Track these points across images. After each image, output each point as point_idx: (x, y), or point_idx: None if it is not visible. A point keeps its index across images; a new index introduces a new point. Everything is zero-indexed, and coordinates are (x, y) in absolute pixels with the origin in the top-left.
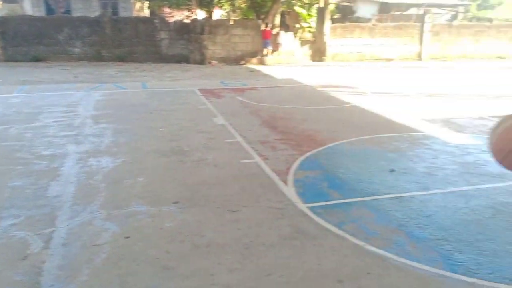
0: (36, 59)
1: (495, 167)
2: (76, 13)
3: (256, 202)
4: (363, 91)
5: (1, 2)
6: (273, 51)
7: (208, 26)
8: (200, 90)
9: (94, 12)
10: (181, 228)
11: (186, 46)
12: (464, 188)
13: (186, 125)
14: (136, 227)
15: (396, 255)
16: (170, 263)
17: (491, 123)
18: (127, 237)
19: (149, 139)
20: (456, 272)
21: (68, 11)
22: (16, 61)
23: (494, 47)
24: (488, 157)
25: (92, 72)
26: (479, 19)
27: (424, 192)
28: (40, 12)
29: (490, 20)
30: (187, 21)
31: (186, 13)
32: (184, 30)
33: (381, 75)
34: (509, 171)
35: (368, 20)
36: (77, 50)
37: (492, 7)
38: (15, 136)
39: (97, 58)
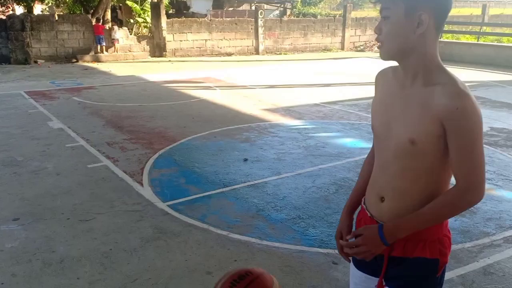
0: None
1: (333, 148)
2: None
3: (110, 207)
4: (209, 85)
5: None
6: (108, 47)
7: (29, 22)
8: (28, 92)
9: None
10: (26, 247)
11: (5, 45)
12: (310, 169)
13: (16, 133)
14: None
15: (259, 238)
16: None
17: (325, 109)
18: None
19: None
20: (313, 246)
21: None
22: None
23: (319, 40)
24: (327, 139)
25: None
26: (304, 15)
27: (277, 177)
28: None
29: (314, 15)
30: (2, 17)
31: (4, 8)
32: (1, 26)
33: (224, 70)
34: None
35: (204, 15)
36: None
37: (315, 3)
38: None
39: None
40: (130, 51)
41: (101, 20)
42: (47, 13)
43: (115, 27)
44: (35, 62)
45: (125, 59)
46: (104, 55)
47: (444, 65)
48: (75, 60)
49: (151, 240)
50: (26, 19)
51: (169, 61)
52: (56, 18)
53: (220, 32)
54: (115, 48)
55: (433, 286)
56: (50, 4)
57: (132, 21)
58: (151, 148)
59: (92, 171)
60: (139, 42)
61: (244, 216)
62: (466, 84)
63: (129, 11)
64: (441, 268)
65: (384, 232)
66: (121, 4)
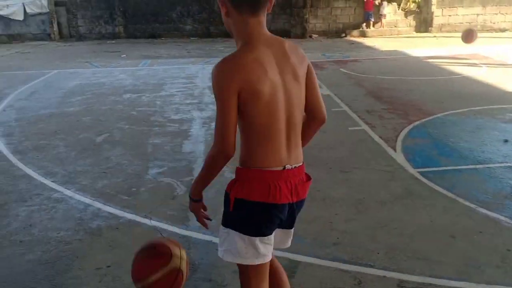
0: (153, 36)
1: None
2: None
3: (366, 165)
4: (474, 62)
5: None
6: (375, 23)
7: (310, 0)
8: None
9: None
10: None
11: (288, 21)
12: None
13: None
14: None
15: (510, 218)
16: None
17: None
18: None
19: None
20: None
21: None
22: (136, 37)
23: None
24: None
25: (203, 48)
26: None
27: None
28: None
29: None
30: None
31: None
32: (286, 4)
33: (494, 47)
34: None
35: None
36: (188, 27)
37: None
38: (147, 103)
39: (206, 34)
40: (395, 26)
41: None
42: None
43: (384, 3)
44: (310, 36)
45: (390, 34)
46: (370, 30)
47: None
48: (343, 35)
49: (399, 198)
50: None
51: (434, 36)
52: None
53: (496, 5)
54: (381, 23)
55: (226, 216)
56: None
57: None
58: (407, 119)
59: (352, 133)
60: (406, 17)
61: (496, 194)
62: None
63: None
64: (232, 202)
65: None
66: None
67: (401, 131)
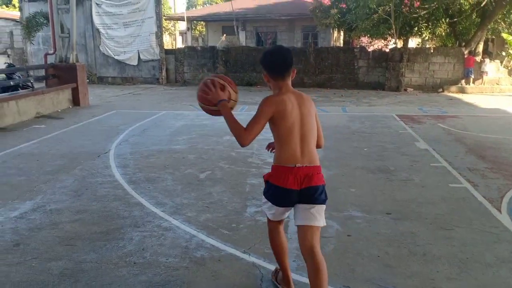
0: (249, 84)
1: None
2: (281, 44)
3: (468, 224)
4: None
5: (225, 35)
6: (475, 79)
7: (407, 54)
8: (399, 115)
9: (297, 42)
10: (396, 235)
11: (383, 74)
12: None
13: (389, 147)
14: (356, 229)
15: None
16: (391, 262)
17: None
18: (349, 235)
19: (355, 157)
20: None
21: (274, 42)
22: None
23: None
24: None
25: None
26: None
27: None
28: (252, 43)
29: None
30: (385, 49)
31: (384, 42)
32: (382, 58)
33: None
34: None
35: None
36: None
37: None
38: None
39: (300, 84)
40: (497, 84)
41: (472, 53)
42: (421, 45)
43: (486, 60)
44: (405, 90)
45: (491, 92)
46: (469, 87)
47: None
48: (440, 90)
49: (506, 261)
50: (405, 52)
51: None
52: (431, 51)
53: None
54: (482, 80)
55: (264, 191)
56: (426, 38)
57: (504, 53)
58: None
59: (453, 190)
60: (509, 75)
61: None
62: None
63: (502, 43)
64: (264, 182)
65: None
66: (493, 37)
67: (506, 192)
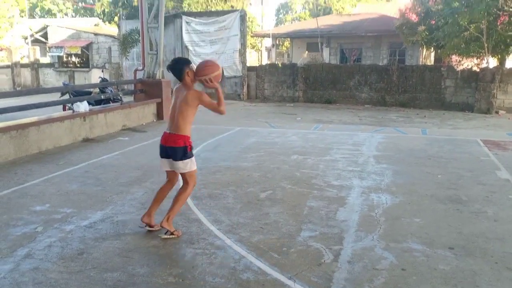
0: (328, 101)
1: None
2: (366, 61)
3: None
4: None
5: (307, 52)
6: None
7: (500, 75)
8: (483, 140)
9: (383, 59)
10: (455, 273)
11: (472, 95)
12: None
13: (466, 175)
14: (412, 262)
15: None
16: None
17: None
18: (403, 269)
19: (426, 184)
20: None
21: (359, 59)
22: (312, 102)
23: None
24: None
25: (375, 115)
26: None
27: None
28: (336, 60)
29: None
30: (476, 69)
31: (475, 61)
32: (472, 78)
33: None
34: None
35: None
36: (363, 95)
37: None
38: (311, 165)
39: (381, 103)
40: None
41: None
42: None
43: None
44: (496, 112)
45: None
46: None
47: None
48: None
49: None
50: (498, 72)
51: None
52: None
53: None
54: None
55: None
56: None
57: None
58: None
59: None
60: None
61: None
62: None
63: None
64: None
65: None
66: None
67: None
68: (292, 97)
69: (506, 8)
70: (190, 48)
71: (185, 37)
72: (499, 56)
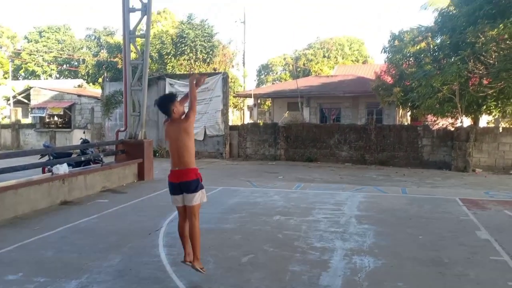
0: (309, 160)
1: None
2: (345, 120)
3: None
4: None
5: (287, 112)
6: None
7: (474, 134)
8: (462, 199)
9: (361, 119)
10: None
11: (448, 153)
12: None
13: (446, 236)
14: None
15: None
16: None
17: None
18: None
19: (408, 245)
20: None
21: (338, 118)
22: (294, 160)
23: None
24: None
25: (356, 174)
26: None
27: None
28: (316, 119)
29: None
30: (451, 128)
31: (450, 120)
32: (447, 137)
33: None
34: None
35: None
36: (344, 153)
37: None
38: (293, 227)
39: (361, 161)
40: None
41: None
42: (492, 124)
43: None
44: (473, 170)
45: None
46: None
47: None
48: None
49: None
50: (472, 131)
51: None
52: (500, 131)
53: None
54: None
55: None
56: (497, 116)
57: None
58: None
59: None
60: None
61: None
62: None
63: None
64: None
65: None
66: None
67: None
68: (274, 156)
69: (476, 70)
70: None
71: None
72: (473, 115)
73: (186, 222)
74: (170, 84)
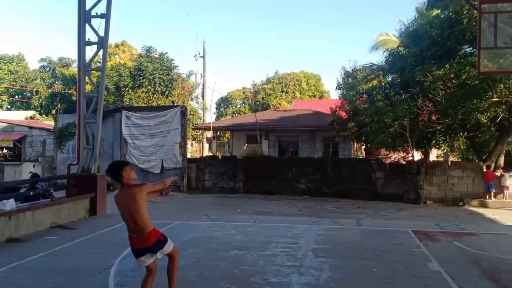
0: (268, 192)
1: None
2: (302, 153)
3: None
4: None
5: (246, 145)
6: (496, 194)
7: (424, 167)
8: (414, 231)
9: (318, 152)
10: None
11: (401, 186)
12: None
13: (400, 268)
14: None
15: None
16: None
17: None
18: None
19: (363, 278)
20: None
21: (296, 151)
22: (252, 192)
23: None
24: None
25: (313, 206)
26: None
27: None
28: (274, 151)
29: None
30: (402, 162)
31: (402, 154)
32: (399, 170)
33: None
34: None
35: None
36: (301, 186)
37: None
38: (250, 262)
39: (318, 193)
40: None
41: (492, 167)
42: (441, 158)
43: (506, 175)
44: (425, 202)
45: None
46: (491, 201)
47: None
48: (461, 204)
49: None
50: (422, 165)
51: None
52: (449, 165)
53: None
54: (504, 195)
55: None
56: (445, 150)
57: None
58: None
59: None
60: None
61: None
62: None
63: None
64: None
65: None
66: None
67: None
68: (233, 188)
69: (425, 107)
70: (129, 141)
71: (125, 130)
72: (423, 150)
73: (151, 279)
74: (127, 117)
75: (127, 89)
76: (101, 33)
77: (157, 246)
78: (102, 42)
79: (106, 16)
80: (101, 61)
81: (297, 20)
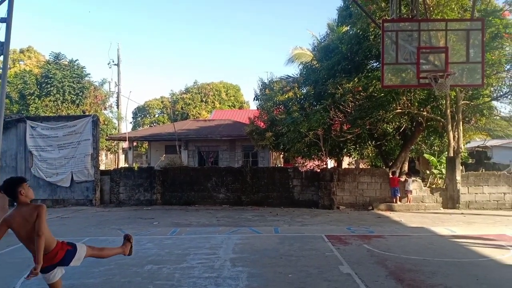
0: (187, 203)
1: None
2: (222, 163)
3: None
4: (501, 244)
5: (164, 155)
6: (401, 198)
7: (337, 174)
8: (328, 236)
9: (238, 161)
10: None
11: (316, 193)
12: None
13: (313, 272)
14: None
15: None
16: None
17: None
18: None
19: (279, 285)
20: None
21: (216, 161)
22: (171, 204)
23: None
24: None
25: (233, 216)
26: None
27: None
28: (194, 162)
29: None
30: (317, 169)
31: (316, 162)
32: (314, 178)
33: None
34: None
35: (507, 166)
36: (221, 195)
37: None
38: (166, 276)
39: (237, 202)
40: (422, 202)
41: (397, 173)
42: (353, 165)
43: (409, 180)
44: (338, 208)
45: (417, 210)
46: (397, 205)
47: None
48: (370, 208)
49: None
50: (335, 172)
51: (462, 213)
52: (359, 172)
53: None
54: (408, 198)
55: None
56: (356, 158)
57: (428, 172)
58: None
59: None
60: (432, 193)
61: None
62: None
63: (426, 162)
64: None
65: None
66: (419, 156)
67: None
68: (150, 200)
69: (336, 118)
70: (35, 153)
71: (30, 141)
72: (336, 158)
73: None
74: (32, 127)
75: (33, 97)
76: (1, 39)
77: (68, 259)
78: (3, 47)
79: (7, 20)
80: (2, 67)
81: (217, 29)
